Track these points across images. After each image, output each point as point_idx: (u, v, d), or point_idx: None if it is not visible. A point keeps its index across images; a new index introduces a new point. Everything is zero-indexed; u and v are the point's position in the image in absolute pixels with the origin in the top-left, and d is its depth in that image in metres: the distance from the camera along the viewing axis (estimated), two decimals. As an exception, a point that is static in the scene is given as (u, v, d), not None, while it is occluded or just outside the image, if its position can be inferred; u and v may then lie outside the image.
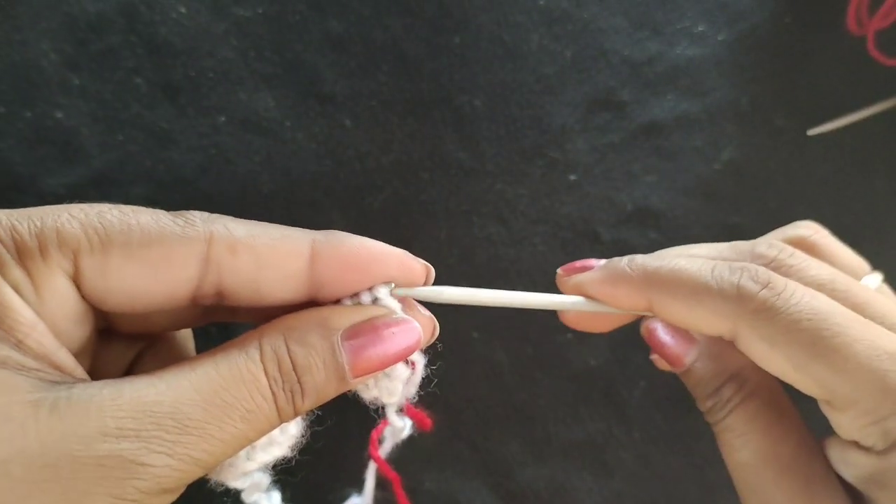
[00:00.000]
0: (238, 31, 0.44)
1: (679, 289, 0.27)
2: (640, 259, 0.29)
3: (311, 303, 0.26)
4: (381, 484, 0.33)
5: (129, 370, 0.28)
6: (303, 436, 0.28)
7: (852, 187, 0.45)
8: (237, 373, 0.23)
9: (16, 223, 0.22)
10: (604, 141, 0.44)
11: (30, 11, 0.43)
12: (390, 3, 0.44)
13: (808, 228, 0.32)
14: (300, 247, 0.25)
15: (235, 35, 0.44)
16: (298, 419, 0.27)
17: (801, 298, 0.25)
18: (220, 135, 0.43)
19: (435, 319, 0.28)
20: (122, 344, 0.28)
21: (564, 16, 0.45)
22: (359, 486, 0.33)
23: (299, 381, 0.24)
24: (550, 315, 0.44)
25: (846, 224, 0.44)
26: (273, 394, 0.23)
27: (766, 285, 0.26)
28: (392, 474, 0.31)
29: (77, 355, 0.24)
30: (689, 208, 0.44)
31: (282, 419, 0.24)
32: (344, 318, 0.25)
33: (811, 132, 0.45)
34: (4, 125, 0.42)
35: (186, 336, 0.30)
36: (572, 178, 0.44)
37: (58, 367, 0.22)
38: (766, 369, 0.26)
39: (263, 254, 0.24)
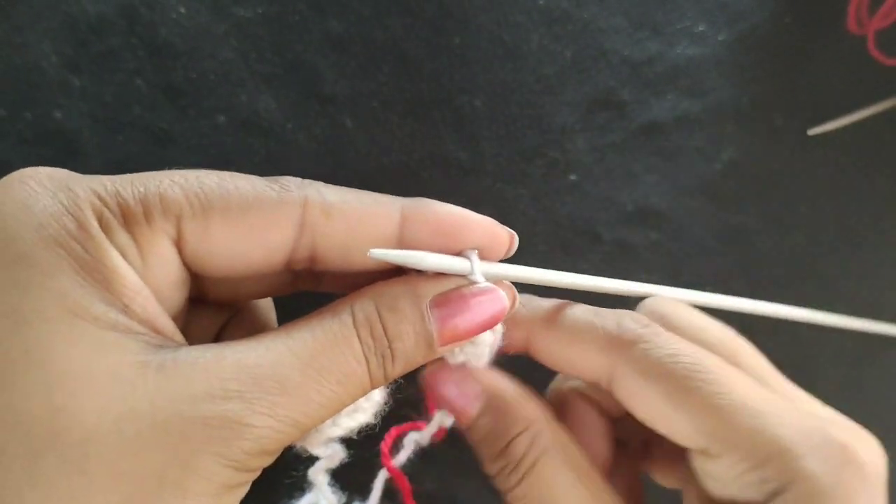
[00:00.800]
0: (238, 31, 0.44)
1: (561, 325, 0.27)
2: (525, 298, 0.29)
3: (397, 271, 0.26)
4: (388, 492, 0.33)
5: (216, 339, 0.28)
6: (386, 403, 0.28)
7: (853, 187, 0.45)
8: (332, 337, 0.23)
9: (119, 188, 0.23)
10: (604, 141, 0.44)
11: (30, 12, 0.43)
12: (390, 4, 0.44)
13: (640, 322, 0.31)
14: (391, 212, 0.25)
15: (236, 36, 0.44)
16: (381, 387, 0.28)
17: (679, 342, 0.26)
18: (221, 135, 0.43)
19: (514, 289, 0.28)
20: (210, 312, 0.28)
21: (564, 16, 0.45)
22: (362, 492, 0.33)
23: (390, 347, 0.24)
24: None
25: (847, 224, 0.44)
26: (366, 359, 0.24)
27: (646, 325, 0.27)
28: (406, 485, 0.31)
29: (175, 322, 0.25)
30: (689, 208, 0.44)
31: (373, 384, 0.24)
32: (433, 286, 0.25)
33: (812, 132, 0.45)
34: (4, 126, 0.42)
35: (268, 307, 0.30)
36: (572, 178, 0.44)
37: (160, 332, 0.23)
38: (638, 412, 0.26)
39: (356, 218, 0.25)
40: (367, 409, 0.27)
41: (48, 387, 0.20)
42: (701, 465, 0.26)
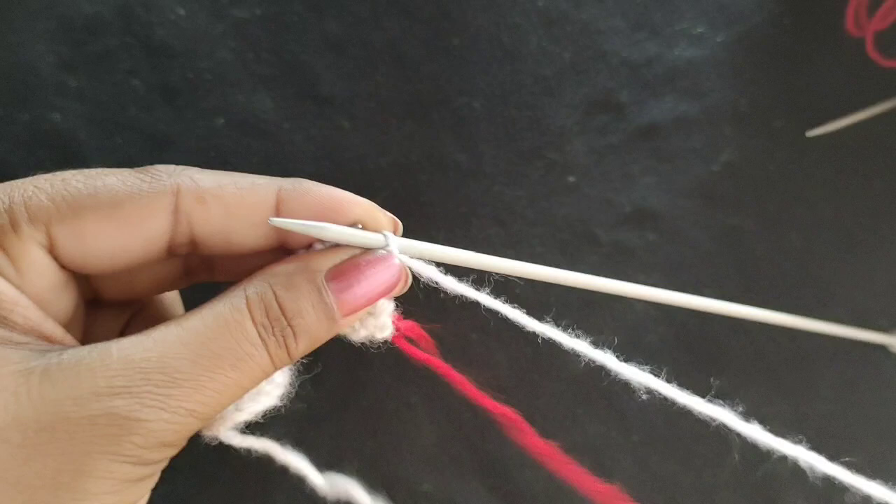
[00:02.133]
0: (236, 32, 0.44)
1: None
2: None
3: (282, 251, 0.27)
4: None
5: (122, 335, 0.28)
6: (291, 385, 0.28)
7: (851, 189, 0.45)
8: (223, 322, 0.23)
9: None
10: (602, 142, 0.44)
11: (26, 13, 0.42)
12: (388, 5, 0.44)
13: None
14: (267, 195, 0.25)
15: (233, 37, 0.44)
16: (285, 369, 0.27)
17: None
18: (218, 137, 0.43)
19: (406, 266, 0.28)
20: (112, 312, 0.28)
21: (563, 17, 0.45)
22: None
23: (290, 325, 0.24)
24: (549, 316, 0.44)
25: (845, 226, 0.44)
26: (263, 340, 0.23)
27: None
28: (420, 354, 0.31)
29: (66, 326, 0.25)
30: (687, 210, 0.44)
31: (276, 365, 0.24)
32: (326, 260, 0.25)
33: (810, 133, 0.45)
34: (1, 128, 0.42)
35: (174, 301, 0.30)
36: (571, 179, 0.44)
37: (47, 338, 0.22)
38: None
39: (231, 203, 0.25)
40: (270, 391, 0.27)
41: None
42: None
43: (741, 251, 0.44)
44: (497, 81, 0.44)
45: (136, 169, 0.25)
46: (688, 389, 0.33)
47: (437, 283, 0.28)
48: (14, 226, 0.22)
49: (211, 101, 0.43)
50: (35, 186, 0.23)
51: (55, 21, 0.43)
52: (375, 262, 0.26)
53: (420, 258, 0.28)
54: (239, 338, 0.23)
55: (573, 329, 0.44)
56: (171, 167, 0.25)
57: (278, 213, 0.25)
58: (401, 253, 0.27)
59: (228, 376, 0.23)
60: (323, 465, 0.41)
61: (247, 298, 0.24)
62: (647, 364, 0.43)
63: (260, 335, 0.23)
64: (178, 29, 0.43)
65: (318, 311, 0.25)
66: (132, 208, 0.24)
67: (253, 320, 0.23)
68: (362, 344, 0.28)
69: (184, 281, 0.29)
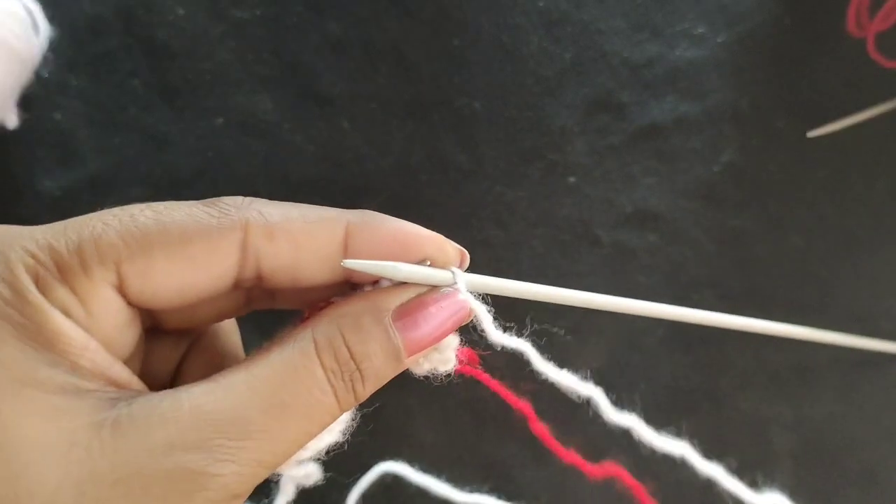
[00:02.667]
0: (236, 33, 0.44)
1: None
2: None
3: (351, 285, 0.26)
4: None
5: (180, 367, 0.28)
6: (353, 419, 0.28)
7: (853, 189, 0.44)
8: (293, 369, 0.23)
9: (52, 241, 0.22)
10: (603, 143, 0.44)
11: (27, 13, 0.42)
12: (389, 5, 0.44)
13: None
14: (335, 230, 0.25)
15: (233, 37, 0.44)
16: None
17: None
18: (218, 137, 0.43)
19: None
20: (171, 341, 0.28)
21: (564, 17, 0.45)
22: None
23: (359, 369, 0.24)
24: (550, 316, 0.44)
25: (846, 227, 0.44)
26: (332, 386, 0.23)
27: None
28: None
29: (129, 359, 0.24)
30: (688, 210, 0.44)
31: (343, 409, 0.24)
32: (392, 298, 0.25)
33: (811, 134, 0.44)
34: (2, 126, 0.42)
35: (231, 329, 0.30)
36: (571, 180, 0.44)
37: (114, 383, 0.22)
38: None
39: (299, 238, 0.24)
40: (333, 428, 0.27)
41: (3, 459, 0.20)
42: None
43: (742, 252, 0.44)
44: (498, 82, 0.44)
45: (203, 202, 0.24)
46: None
47: (484, 331, 0.28)
48: (84, 266, 0.22)
49: (211, 102, 0.43)
50: (104, 223, 0.23)
51: (56, 21, 0.43)
52: (442, 300, 0.26)
53: (487, 292, 0.28)
54: (309, 385, 0.23)
55: (574, 336, 0.44)
56: (239, 199, 0.25)
57: (347, 248, 0.25)
58: (468, 290, 0.27)
59: (300, 425, 0.22)
60: (323, 465, 0.41)
61: (315, 343, 0.23)
62: (647, 366, 0.43)
63: (329, 381, 0.23)
64: (178, 29, 0.43)
65: (386, 353, 0.24)
66: (201, 245, 0.23)
67: (322, 365, 0.23)
68: (424, 377, 0.28)
69: (244, 309, 0.29)
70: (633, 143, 0.44)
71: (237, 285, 0.25)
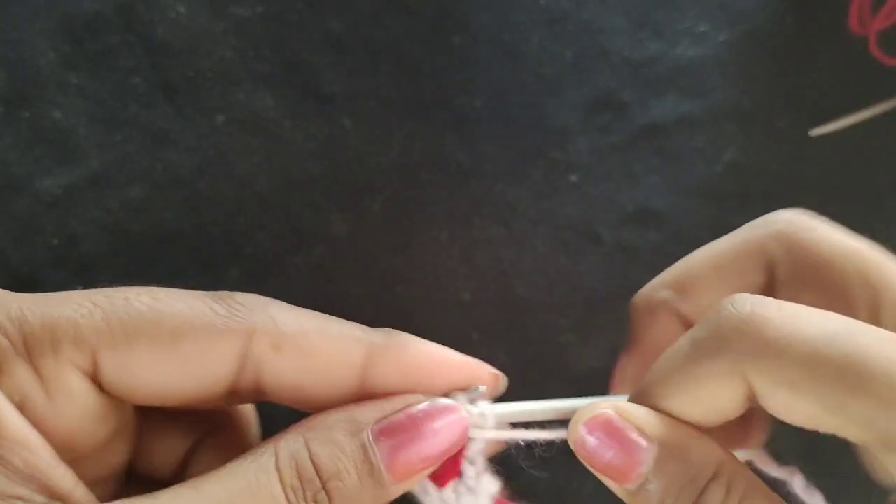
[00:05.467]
0: (237, 30, 0.43)
1: (668, 378, 0.22)
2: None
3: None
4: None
5: (191, 454, 0.25)
6: None
7: (855, 188, 0.44)
8: (246, 486, 0.20)
9: (28, 313, 0.20)
10: (605, 141, 0.44)
11: (27, 10, 0.42)
12: (390, 3, 0.44)
13: (786, 224, 0.26)
14: (353, 351, 0.22)
15: (234, 34, 0.43)
16: None
17: (810, 319, 0.20)
18: (219, 135, 0.43)
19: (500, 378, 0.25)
20: (179, 426, 0.25)
21: (565, 16, 0.45)
22: None
23: (325, 488, 0.20)
24: (551, 316, 0.44)
25: (849, 225, 0.44)
26: None
27: (750, 313, 0.20)
28: None
29: (108, 447, 0.22)
30: (690, 209, 0.44)
31: None
32: (374, 410, 0.22)
33: (813, 133, 0.44)
34: (1, 125, 0.42)
35: (248, 413, 0.27)
36: (573, 178, 0.44)
37: (48, 490, 0.19)
38: (795, 422, 0.21)
39: (311, 356, 0.22)
40: None
41: None
42: (882, 455, 0.20)
43: (744, 251, 0.44)
44: (499, 80, 0.44)
45: (213, 295, 0.22)
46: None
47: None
48: (54, 345, 0.20)
49: (211, 99, 0.43)
50: (93, 303, 0.20)
51: (56, 18, 0.42)
52: (438, 414, 0.22)
53: (514, 420, 0.24)
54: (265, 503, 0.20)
55: (576, 335, 0.43)
56: (254, 299, 0.22)
57: (366, 374, 0.22)
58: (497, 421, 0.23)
59: None
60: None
61: (276, 456, 0.20)
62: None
63: (288, 500, 0.20)
64: (178, 27, 0.43)
65: (362, 473, 0.21)
66: (195, 347, 0.21)
67: (281, 482, 0.20)
68: None
69: (253, 398, 0.25)
70: (635, 141, 0.44)
71: (231, 394, 0.22)
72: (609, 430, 0.22)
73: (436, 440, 0.22)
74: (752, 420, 0.26)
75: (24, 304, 0.20)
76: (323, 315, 0.23)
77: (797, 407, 0.20)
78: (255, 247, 0.42)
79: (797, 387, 0.19)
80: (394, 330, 0.23)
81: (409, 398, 0.22)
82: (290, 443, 0.21)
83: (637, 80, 0.44)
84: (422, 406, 0.22)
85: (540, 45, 0.44)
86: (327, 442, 0.21)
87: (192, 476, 0.23)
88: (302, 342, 0.21)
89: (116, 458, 0.23)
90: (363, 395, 0.22)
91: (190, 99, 0.43)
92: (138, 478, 0.24)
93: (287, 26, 0.44)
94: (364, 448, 0.21)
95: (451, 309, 0.42)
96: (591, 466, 0.23)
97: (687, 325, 0.26)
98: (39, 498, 0.19)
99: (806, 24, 0.45)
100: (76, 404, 0.20)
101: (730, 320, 0.21)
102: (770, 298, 0.21)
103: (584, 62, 0.44)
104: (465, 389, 0.23)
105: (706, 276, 0.26)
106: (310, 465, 0.20)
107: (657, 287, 0.28)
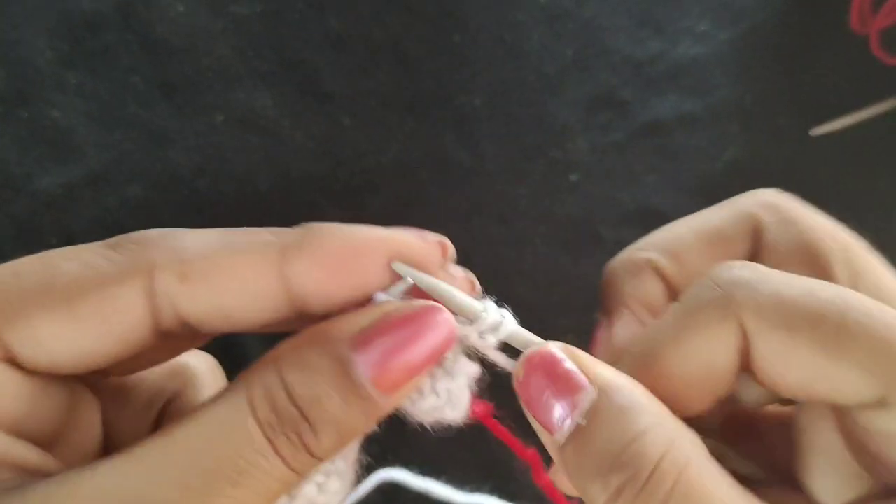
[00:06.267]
0: (236, 29, 0.43)
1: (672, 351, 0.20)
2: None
3: (306, 320, 0.21)
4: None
5: (159, 419, 0.24)
6: (354, 486, 0.22)
7: (855, 187, 0.44)
8: (219, 428, 0.18)
9: None
10: (605, 140, 0.44)
11: (26, 9, 0.42)
12: (390, 2, 0.44)
13: (774, 198, 0.26)
14: (266, 260, 0.20)
15: (233, 33, 0.43)
16: (340, 468, 0.21)
17: (801, 279, 0.19)
18: (218, 133, 0.43)
19: (473, 278, 0.22)
20: (140, 399, 0.24)
21: (565, 14, 0.45)
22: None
23: (305, 416, 0.19)
24: (552, 315, 0.44)
25: (849, 224, 0.44)
26: (271, 442, 0.18)
27: (742, 266, 0.20)
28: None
29: (66, 427, 0.21)
30: (691, 208, 0.44)
31: (297, 470, 0.19)
32: (348, 323, 0.20)
33: (814, 132, 0.44)
34: (1, 124, 0.41)
35: (211, 373, 0.26)
36: (573, 177, 0.44)
37: (16, 465, 0.19)
38: (787, 382, 0.19)
39: (220, 277, 0.20)
40: (327, 485, 0.21)
41: None
42: (869, 421, 0.19)
43: (745, 250, 0.44)
44: (499, 79, 0.44)
45: (106, 243, 0.20)
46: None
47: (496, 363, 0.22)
48: None
49: (210, 98, 0.43)
50: None
51: (55, 17, 0.42)
52: (417, 318, 0.20)
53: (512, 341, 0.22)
54: (241, 443, 0.18)
55: (575, 334, 0.43)
56: (148, 234, 0.20)
57: (289, 279, 0.20)
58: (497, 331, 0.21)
59: (232, 497, 0.18)
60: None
61: (248, 391, 0.19)
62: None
63: (266, 436, 0.18)
64: (177, 25, 0.43)
65: (346, 393, 0.19)
66: (94, 302, 0.19)
67: (256, 418, 0.18)
68: (427, 425, 0.22)
69: (197, 342, 0.24)
70: (636, 140, 0.44)
71: (161, 335, 0.21)
72: (550, 365, 0.20)
73: (421, 345, 0.20)
74: None
75: None
76: (229, 230, 0.21)
77: (794, 356, 0.19)
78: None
79: (795, 328, 0.18)
80: (312, 223, 0.21)
81: (385, 304, 0.20)
82: (261, 375, 0.19)
83: (638, 78, 0.44)
84: (404, 311, 0.20)
85: (540, 44, 0.44)
86: (300, 367, 0.19)
87: None
88: (207, 266, 0.20)
89: (84, 439, 0.22)
90: (294, 303, 0.20)
91: (189, 98, 0.43)
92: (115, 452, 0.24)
93: (286, 25, 0.44)
94: (342, 365, 0.19)
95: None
96: (526, 405, 0.21)
97: (670, 288, 0.25)
98: (9, 478, 0.18)
99: (807, 23, 0.45)
100: (4, 389, 0.19)
101: (723, 276, 0.20)
102: (760, 264, 0.20)
103: (585, 61, 0.44)
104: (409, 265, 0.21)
105: (692, 243, 0.26)
106: (284, 395, 0.19)
107: (642, 248, 0.26)
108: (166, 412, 0.24)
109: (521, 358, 0.21)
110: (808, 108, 0.44)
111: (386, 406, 0.20)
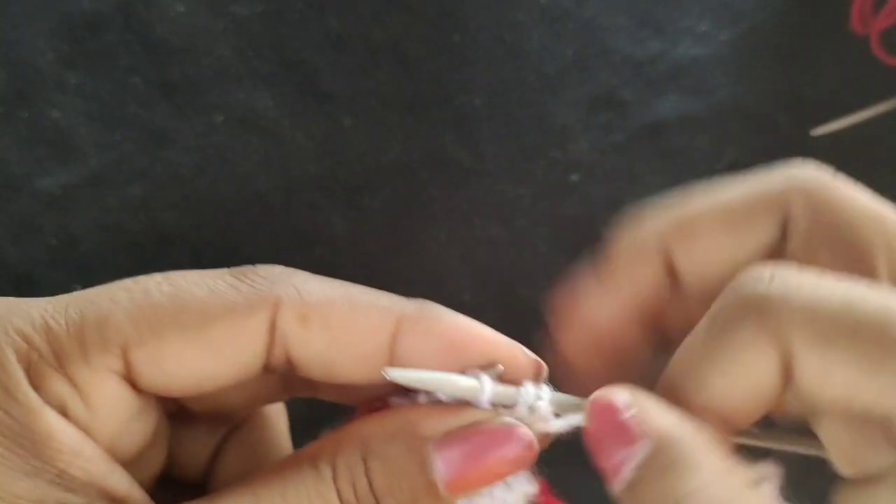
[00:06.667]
0: (236, 29, 0.43)
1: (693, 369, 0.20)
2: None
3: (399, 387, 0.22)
4: None
5: (218, 456, 0.25)
6: None
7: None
8: (304, 497, 0.19)
9: (50, 321, 0.19)
10: (606, 141, 0.44)
11: (25, 9, 0.42)
12: (390, 2, 0.44)
13: (809, 179, 0.24)
14: (383, 322, 0.21)
15: (234, 33, 0.43)
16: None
17: (835, 282, 0.19)
18: (218, 134, 0.43)
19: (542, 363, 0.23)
20: (204, 427, 0.24)
21: (566, 14, 0.45)
22: None
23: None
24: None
25: (850, 225, 0.44)
26: None
27: (772, 278, 0.19)
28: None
29: (144, 450, 0.22)
30: (691, 209, 0.44)
31: None
32: (437, 422, 0.20)
33: (815, 132, 0.44)
34: (0, 124, 0.41)
35: (277, 412, 0.26)
36: (574, 178, 0.44)
37: (108, 495, 0.19)
38: (829, 395, 0.19)
39: (338, 327, 0.21)
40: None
41: None
42: None
43: (745, 250, 0.44)
44: (499, 79, 0.44)
45: (232, 272, 0.21)
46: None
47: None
48: (84, 353, 0.19)
49: (210, 98, 0.43)
50: (112, 300, 0.20)
51: (55, 17, 0.42)
52: (500, 431, 0.20)
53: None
54: None
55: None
56: (274, 270, 0.21)
57: (395, 345, 0.21)
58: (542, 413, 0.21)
59: None
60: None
61: (333, 469, 0.19)
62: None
63: None
64: (177, 25, 0.43)
65: (418, 490, 0.20)
66: (223, 329, 0.20)
67: (340, 498, 0.19)
68: None
69: (284, 395, 0.25)
70: (636, 141, 0.44)
71: (268, 370, 0.22)
72: (608, 414, 0.20)
73: (500, 461, 0.20)
74: None
75: (45, 310, 0.19)
76: (349, 284, 0.22)
77: (834, 371, 0.18)
78: (255, 247, 0.42)
79: (834, 342, 0.18)
80: (426, 300, 0.22)
81: (476, 412, 0.21)
82: (348, 453, 0.20)
83: (638, 78, 0.44)
84: (491, 425, 0.21)
85: (540, 44, 0.44)
86: (384, 456, 0.20)
87: (219, 478, 0.23)
88: (329, 313, 0.21)
89: (153, 463, 0.23)
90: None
91: (189, 98, 0.43)
92: (164, 481, 0.24)
93: (286, 25, 0.44)
94: (422, 464, 0.20)
95: (452, 309, 0.42)
96: (590, 449, 0.21)
97: (674, 274, 0.25)
98: (101, 502, 0.19)
99: (807, 23, 0.45)
100: (117, 410, 0.20)
101: (753, 289, 0.19)
102: (790, 267, 0.20)
103: (585, 61, 0.44)
104: (485, 367, 0.21)
105: (711, 226, 0.24)
106: (365, 481, 0.20)
107: (651, 233, 0.25)
108: (231, 440, 0.25)
109: (587, 403, 0.21)
110: (808, 108, 0.44)
111: (449, 502, 0.20)
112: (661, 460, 0.19)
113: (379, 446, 0.20)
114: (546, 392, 0.22)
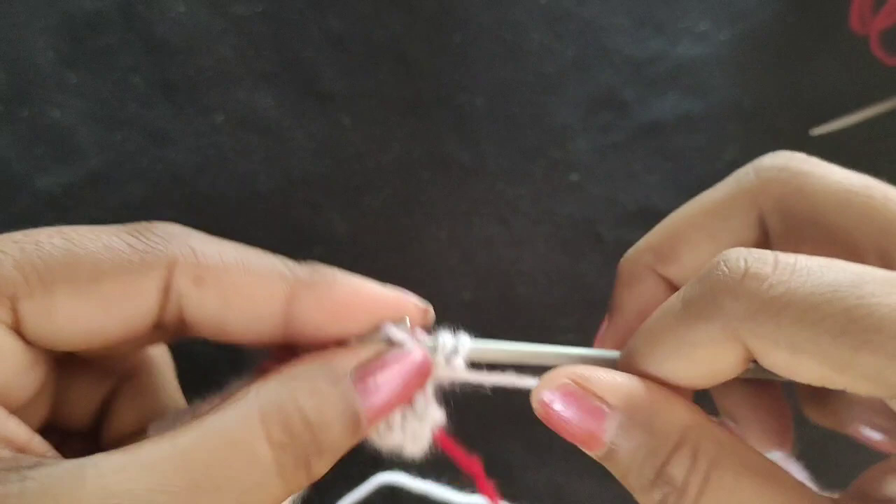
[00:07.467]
0: (237, 29, 0.43)
1: (656, 340, 0.21)
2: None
3: (288, 347, 0.22)
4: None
5: (105, 402, 0.24)
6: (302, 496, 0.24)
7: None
8: (230, 442, 0.18)
9: None
10: (605, 140, 0.44)
11: (27, 9, 0.42)
12: (390, 2, 0.44)
13: (777, 172, 0.24)
14: (277, 287, 0.21)
15: (234, 33, 0.43)
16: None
17: (808, 272, 0.18)
18: (218, 134, 0.43)
19: (429, 307, 0.24)
20: (93, 373, 0.24)
21: (566, 14, 0.45)
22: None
23: (315, 441, 0.19)
24: (552, 315, 0.44)
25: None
26: (279, 464, 0.19)
27: (744, 273, 0.19)
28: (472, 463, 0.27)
29: (32, 401, 0.21)
30: (691, 208, 0.44)
31: (290, 491, 0.19)
32: (349, 357, 0.21)
33: (814, 132, 0.44)
34: (1, 124, 0.41)
35: (165, 362, 0.26)
36: (574, 177, 0.44)
37: (11, 443, 0.19)
38: (801, 380, 0.19)
39: (233, 291, 0.21)
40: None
41: None
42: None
43: (745, 250, 0.44)
44: (499, 79, 0.44)
45: (129, 228, 0.21)
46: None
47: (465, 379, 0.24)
48: None
49: (211, 98, 0.43)
50: (2, 252, 0.19)
51: (57, 17, 0.42)
52: (401, 357, 0.22)
53: (478, 359, 0.24)
54: (250, 462, 0.18)
55: (576, 334, 0.43)
56: (171, 229, 0.21)
57: (290, 309, 0.21)
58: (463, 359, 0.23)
59: None
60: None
61: (260, 410, 0.19)
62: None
63: (276, 459, 0.19)
64: (178, 25, 0.43)
65: (344, 421, 0.20)
66: (116, 286, 0.20)
67: (269, 439, 0.19)
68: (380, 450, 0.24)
69: (177, 336, 0.24)
70: (636, 140, 0.44)
71: (158, 327, 0.21)
72: (571, 397, 0.21)
73: (406, 384, 0.22)
74: (785, 421, 0.26)
75: None
76: (246, 247, 0.22)
77: (801, 367, 0.18)
78: (255, 246, 0.42)
79: (798, 347, 0.18)
80: (319, 265, 0.22)
81: (378, 345, 0.22)
82: (273, 392, 0.19)
83: (638, 78, 0.44)
84: (393, 351, 0.22)
85: (540, 44, 0.44)
86: (313, 392, 0.20)
87: (113, 427, 0.23)
88: (224, 276, 0.21)
89: (40, 411, 0.22)
90: (288, 330, 0.22)
91: (189, 98, 0.43)
92: (53, 429, 0.23)
93: (287, 25, 0.44)
94: (346, 395, 0.20)
95: (452, 309, 0.42)
96: (559, 433, 0.22)
97: (673, 290, 0.25)
98: (4, 454, 0.18)
99: (807, 23, 0.45)
100: (6, 360, 0.20)
101: (722, 280, 0.19)
102: (765, 251, 0.19)
103: (585, 61, 0.44)
104: (394, 321, 0.23)
105: (693, 237, 0.25)
106: (298, 417, 0.19)
107: (642, 250, 0.26)
108: (121, 390, 0.24)
109: (537, 394, 0.22)
110: (808, 108, 0.44)
111: (365, 435, 0.21)
112: (633, 427, 0.20)
113: (305, 382, 0.20)
114: (464, 338, 0.24)
